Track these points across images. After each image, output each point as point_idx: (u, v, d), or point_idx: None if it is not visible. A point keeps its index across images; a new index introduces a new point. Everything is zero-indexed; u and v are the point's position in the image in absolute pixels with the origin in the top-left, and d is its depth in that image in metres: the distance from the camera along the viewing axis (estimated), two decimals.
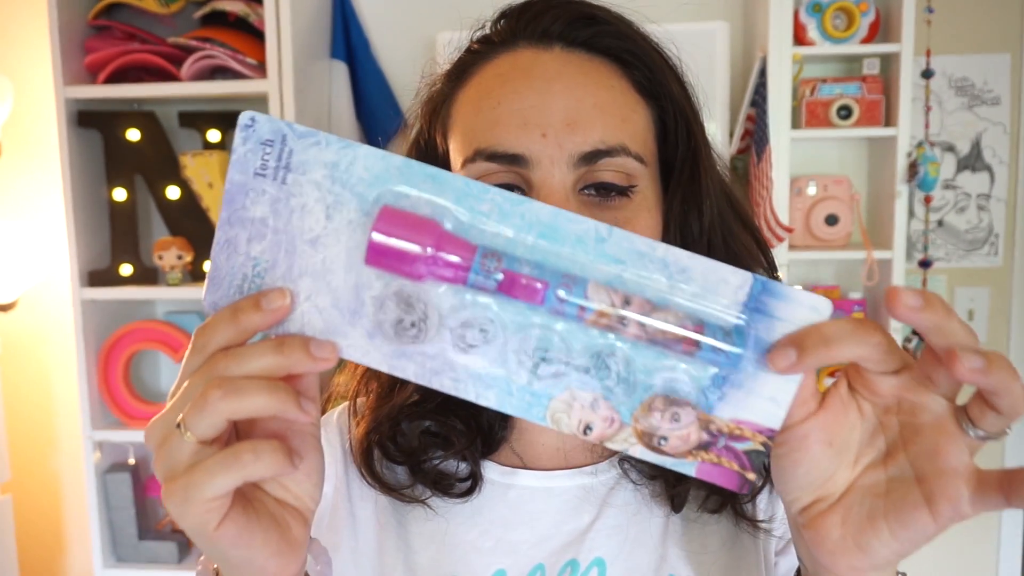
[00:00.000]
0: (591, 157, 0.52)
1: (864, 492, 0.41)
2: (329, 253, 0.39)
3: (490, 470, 0.61)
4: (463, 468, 0.61)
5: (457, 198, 0.39)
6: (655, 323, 0.38)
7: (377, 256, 0.38)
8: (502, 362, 0.39)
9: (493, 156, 0.52)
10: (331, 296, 0.39)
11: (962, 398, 0.39)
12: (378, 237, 0.38)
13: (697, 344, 0.38)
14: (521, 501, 0.60)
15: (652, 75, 0.56)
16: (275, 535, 0.41)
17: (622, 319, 0.38)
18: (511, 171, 0.52)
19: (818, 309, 0.38)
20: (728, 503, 0.58)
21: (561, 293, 0.38)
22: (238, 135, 0.39)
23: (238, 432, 0.41)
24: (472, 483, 0.60)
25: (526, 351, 0.39)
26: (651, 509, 0.59)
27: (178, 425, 0.38)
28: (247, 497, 0.41)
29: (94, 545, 1.86)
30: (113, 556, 1.91)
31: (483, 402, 0.40)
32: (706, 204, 0.57)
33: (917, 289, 0.37)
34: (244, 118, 0.38)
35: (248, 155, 0.39)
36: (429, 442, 0.61)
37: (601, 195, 0.53)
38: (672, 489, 0.58)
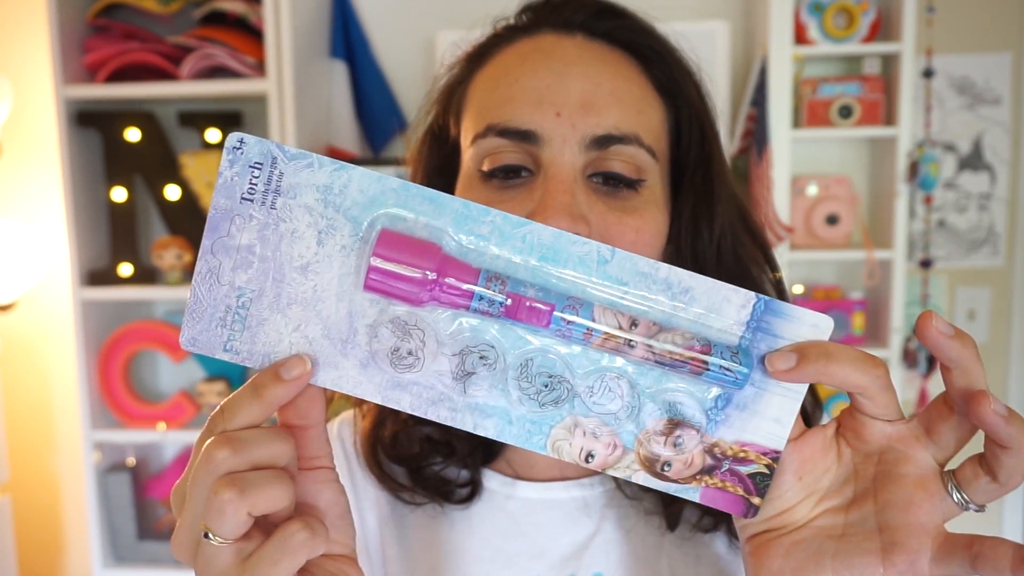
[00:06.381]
0: (603, 141, 0.51)
1: (817, 531, 0.40)
2: (320, 280, 0.37)
3: (490, 479, 0.61)
4: (463, 475, 0.61)
5: (456, 220, 0.37)
6: (663, 345, 0.37)
7: (377, 281, 0.37)
8: (502, 389, 0.38)
9: (505, 132, 0.52)
10: (322, 325, 0.38)
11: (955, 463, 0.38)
12: (377, 262, 0.36)
13: (705, 364, 0.37)
14: (520, 513, 0.59)
15: (670, 74, 0.56)
16: None
17: (629, 342, 0.37)
18: (521, 148, 0.52)
19: (819, 327, 0.38)
20: (722, 523, 0.57)
21: (567, 316, 0.37)
22: (225, 158, 0.37)
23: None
24: (472, 490, 0.60)
25: (527, 376, 0.38)
26: (647, 526, 0.59)
27: (205, 535, 0.36)
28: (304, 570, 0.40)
29: (93, 545, 1.86)
30: (112, 556, 1.91)
31: (481, 432, 0.38)
32: (718, 209, 0.56)
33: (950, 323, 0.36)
34: (232, 140, 0.37)
35: (235, 179, 0.37)
36: (430, 448, 0.61)
37: (609, 185, 0.53)
38: (668, 508, 0.58)
